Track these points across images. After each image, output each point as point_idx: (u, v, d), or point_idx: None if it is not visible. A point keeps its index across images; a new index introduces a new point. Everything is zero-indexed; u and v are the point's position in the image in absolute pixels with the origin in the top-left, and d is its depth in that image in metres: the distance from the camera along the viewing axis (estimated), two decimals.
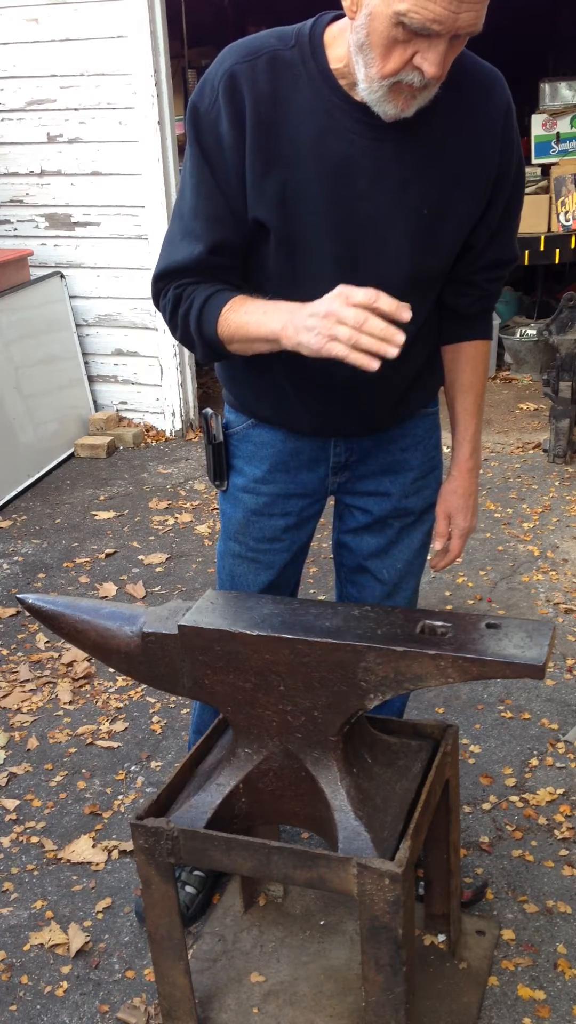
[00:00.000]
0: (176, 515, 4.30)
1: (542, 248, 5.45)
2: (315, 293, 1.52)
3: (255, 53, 1.60)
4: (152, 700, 2.99)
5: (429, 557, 2.07)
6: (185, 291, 1.67)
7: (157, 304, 1.74)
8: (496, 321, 5.67)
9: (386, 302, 1.42)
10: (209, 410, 1.96)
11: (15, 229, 5.19)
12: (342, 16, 1.59)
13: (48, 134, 4.95)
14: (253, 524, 1.99)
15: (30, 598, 1.84)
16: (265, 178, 1.61)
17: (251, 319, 1.60)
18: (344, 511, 2.06)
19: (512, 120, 1.73)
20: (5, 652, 3.30)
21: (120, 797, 2.60)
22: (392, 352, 1.41)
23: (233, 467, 1.98)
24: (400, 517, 2.02)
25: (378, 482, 1.98)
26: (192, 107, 1.64)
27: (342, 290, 1.45)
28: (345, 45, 1.56)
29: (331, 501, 2.09)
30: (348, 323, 1.42)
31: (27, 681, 3.13)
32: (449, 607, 3.40)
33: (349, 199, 1.63)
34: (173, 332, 1.73)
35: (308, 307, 1.50)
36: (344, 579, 2.14)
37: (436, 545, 2.02)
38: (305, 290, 1.59)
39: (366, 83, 1.52)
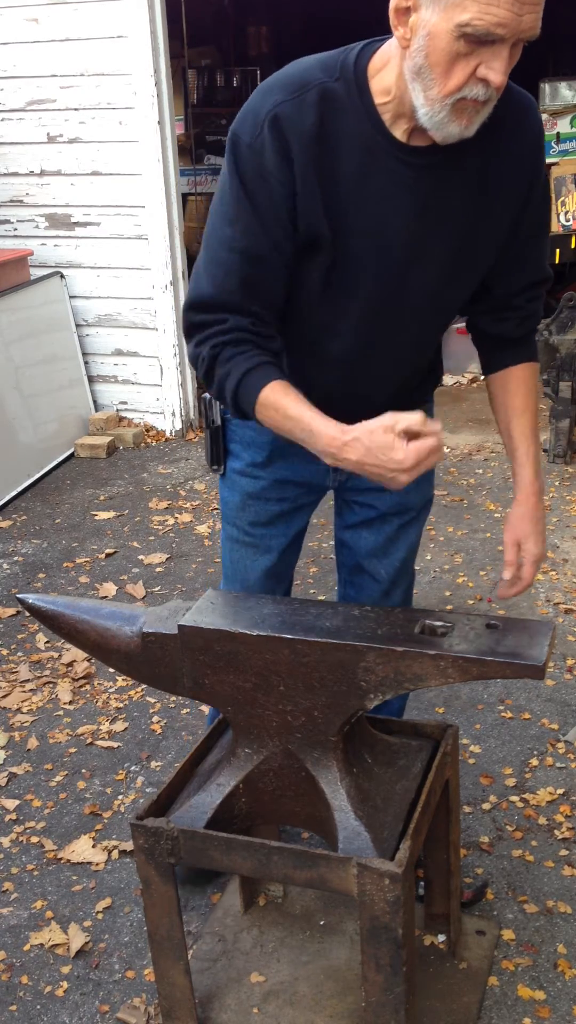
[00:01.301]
0: (176, 515, 4.30)
1: None
2: (338, 317, 1.68)
3: (303, 88, 1.57)
4: (152, 700, 2.99)
5: (497, 588, 1.97)
6: (222, 352, 1.65)
7: (188, 339, 1.71)
8: None
9: (433, 429, 1.51)
10: (208, 394, 1.93)
11: (15, 229, 5.19)
12: (380, 43, 1.59)
13: (48, 134, 4.95)
14: (249, 507, 2.00)
15: (30, 598, 1.84)
16: (313, 209, 1.60)
17: (288, 427, 1.63)
18: (344, 507, 2.07)
19: (542, 144, 1.74)
20: (5, 652, 3.30)
21: (120, 797, 2.60)
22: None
23: (231, 452, 2.00)
24: (400, 513, 2.02)
25: None
26: (234, 136, 1.61)
27: (389, 429, 1.50)
28: (391, 75, 1.55)
29: (331, 502, 2.09)
30: (407, 473, 1.52)
31: (27, 681, 3.13)
32: (449, 607, 3.40)
33: (386, 234, 1.64)
34: (207, 387, 1.72)
35: (360, 449, 1.53)
36: (344, 580, 2.15)
37: (506, 575, 1.90)
38: (331, 311, 1.69)
39: (427, 106, 1.49)
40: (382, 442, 1.51)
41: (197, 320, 1.67)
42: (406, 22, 1.46)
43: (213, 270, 1.65)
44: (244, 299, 1.64)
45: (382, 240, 1.65)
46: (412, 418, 1.50)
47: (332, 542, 3.91)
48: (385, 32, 1.56)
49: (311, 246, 1.64)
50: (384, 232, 1.64)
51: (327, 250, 1.64)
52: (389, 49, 1.57)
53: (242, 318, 1.64)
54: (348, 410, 1.79)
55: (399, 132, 1.59)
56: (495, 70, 1.44)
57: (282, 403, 1.62)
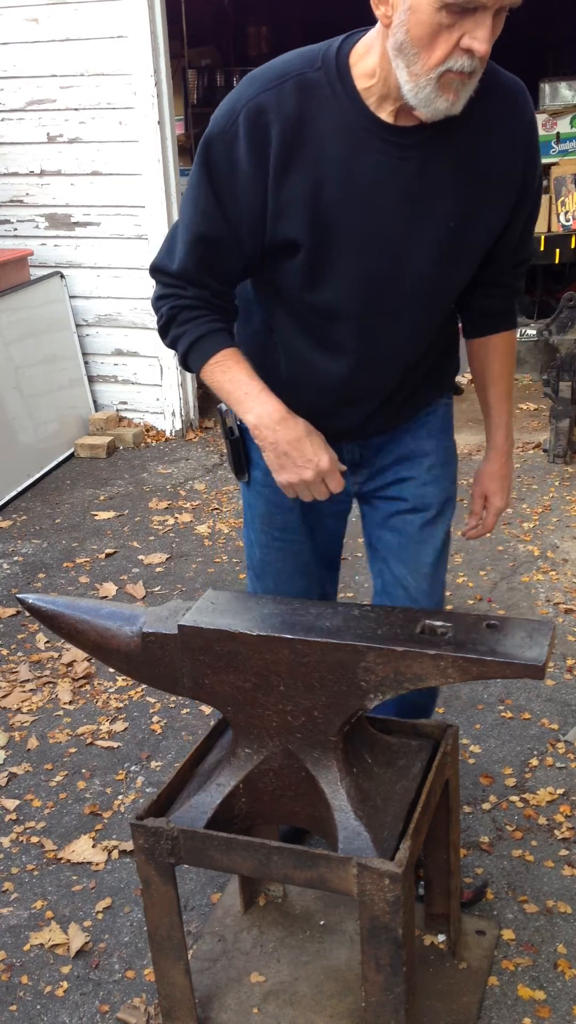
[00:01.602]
0: (176, 515, 4.30)
1: (542, 248, 5.46)
2: (334, 303, 1.70)
3: (282, 77, 1.59)
4: (152, 700, 2.99)
5: (462, 530, 2.17)
6: (180, 315, 1.75)
7: (153, 298, 1.81)
8: None
9: (336, 485, 1.75)
10: (224, 405, 1.95)
11: (15, 229, 5.19)
12: (363, 34, 1.60)
13: (48, 134, 4.95)
14: (276, 516, 2.01)
15: (30, 598, 1.84)
16: (293, 199, 1.62)
17: (232, 390, 1.75)
18: (367, 511, 2.07)
19: (535, 129, 1.74)
20: (5, 652, 3.30)
21: (120, 797, 2.60)
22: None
23: (251, 459, 2.00)
24: (420, 510, 2.01)
25: (395, 471, 1.99)
26: (211, 123, 1.64)
27: (318, 462, 1.73)
28: (374, 57, 1.56)
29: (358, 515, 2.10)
30: (306, 490, 1.76)
31: (27, 681, 3.13)
32: (449, 607, 3.40)
33: (378, 217, 1.64)
34: (162, 339, 1.81)
35: (289, 431, 1.71)
36: (378, 591, 2.12)
37: (471, 521, 2.12)
38: (325, 299, 1.71)
39: (412, 82, 1.50)
40: (318, 441, 1.73)
41: (160, 282, 1.78)
42: (387, 0, 1.47)
43: (176, 246, 1.73)
44: (201, 275, 1.72)
45: (374, 223, 1.65)
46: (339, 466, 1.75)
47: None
48: None
49: (295, 235, 1.65)
50: (375, 215, 1.64)
51: (316, 236, 1.64)
52: (371, 34, 1.58)
53: (199, 289, 1.73)
54: (356, 398, 1.84)
55: (385, 114, 1.59)
56: (479, 39, 1.44)
57: (233, 367, 1.74)
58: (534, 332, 5.79)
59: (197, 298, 1.74)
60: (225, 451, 2.04)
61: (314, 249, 1.66)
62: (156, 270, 1.77)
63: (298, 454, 1.71)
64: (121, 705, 2.98)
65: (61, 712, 2.97)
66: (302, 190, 1.61)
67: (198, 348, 1.75)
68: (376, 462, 1.99)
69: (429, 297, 1.77)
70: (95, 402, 5.35)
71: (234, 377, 1.74)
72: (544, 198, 5.43)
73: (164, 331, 1.79)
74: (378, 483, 2.01)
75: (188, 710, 2.92)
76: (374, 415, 1.89)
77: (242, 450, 2.00)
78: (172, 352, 1.87)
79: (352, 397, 1.85)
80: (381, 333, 1.77)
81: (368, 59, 1.58)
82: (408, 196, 1.64)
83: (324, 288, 1.71)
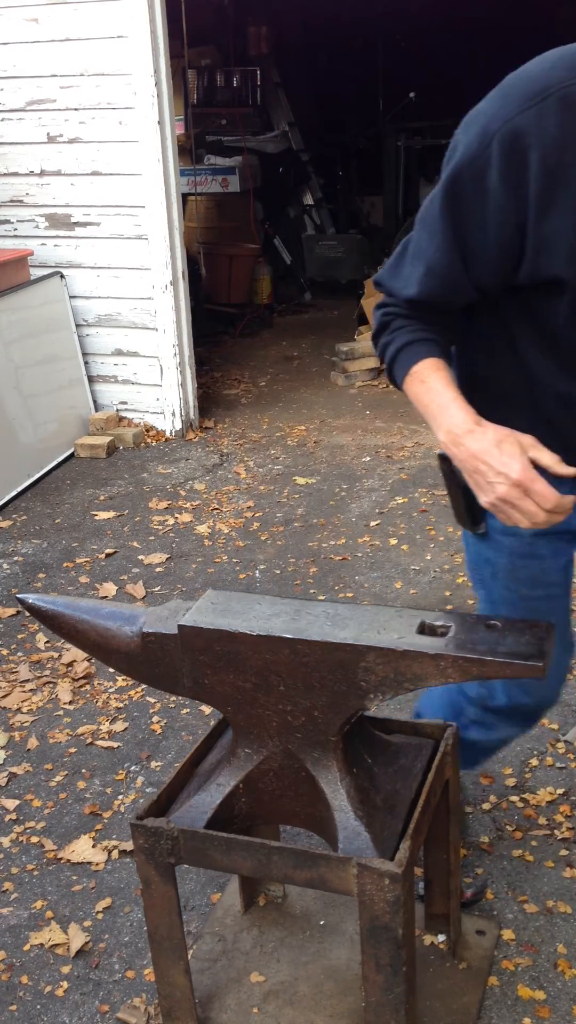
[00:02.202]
0: (176, 515, 4.30)
1: None
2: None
3: (543, 93, 1.37)
4: (152, 700, 2.99)
5: None
6: (393, 322, 1.64)
7: (376, 304, 1.71)
8: None
9: (544, 499, 1.43)
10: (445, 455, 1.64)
11: (15, 229, 5.19)
12: None
13: (48, 134, 4.95)
14: (520, 569, 1.78)
15: (30, 598, 1.84)
16: (558, 233, 1.43)
17: (427, 403, 1.57)
18: None
19: None
20: (5, 652, 3.30)
21: (120, 797, 2.60)
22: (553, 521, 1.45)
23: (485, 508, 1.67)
24: None
25: None
26: (456, 145, 1.48)
27: (524, 445, 1.45)
28: None
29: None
30: (508, 487, 1.44)
31: (27, 681, 3.13)
32: (449, 607, 3.40)
33: None
34: (374, 347, 1.70)
35: (477, 442, 1.47)
36: None
37: None
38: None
39: None
40: (509, 448, 1.45)
41: (383, 293, 1.66)
42: None
43: (404, 270, 1.60)
44: (428, 305, 1.60)
45: None
46: (551, 455, 1.45)
47: (333, 542, 3.94)
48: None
49: (561, 272, 1.47)
50: None
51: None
52: None
53: (423, 313, 1.62)
54: None
55: None
56: None
57: (430, 377, 1.56)
58: None
59: (415, 312, 1.62)
60: (449, 499, 1.71)
61: None
62: (381, 286, 1.65)
63: (487, 467, 1.46)
64: (121, 705, 2.98)
65: (61, 712, 2.97)
66: (570, 222, 1.42)
67: (402, 357, 1.60)
68: None
69: None
70: (95, 402, 5.35)
71: (431, 387, 1.55)
72: None
73: (376, 339, 1.67)
74: None
75: (188, 710, 2.92)
76: None
77: (475, 496, 1.62)
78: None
79: None
80: None
81: None
82: None
83: None
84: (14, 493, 4.58)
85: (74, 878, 2.35)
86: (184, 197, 5.84)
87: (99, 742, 2.82)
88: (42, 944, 2.17)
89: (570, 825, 2.39)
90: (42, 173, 5.05)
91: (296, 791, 1.72)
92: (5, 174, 5.10)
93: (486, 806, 2.47)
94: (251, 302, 7.80)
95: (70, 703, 3.01)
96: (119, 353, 5.23)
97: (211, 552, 3.92)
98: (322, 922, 2.10)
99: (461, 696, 2.01)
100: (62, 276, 5.11)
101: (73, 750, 2.80)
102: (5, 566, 3.92)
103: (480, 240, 1.48)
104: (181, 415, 5.24)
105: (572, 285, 1.48)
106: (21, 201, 5.13)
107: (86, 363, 5.28)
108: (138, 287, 5.04)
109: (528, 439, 1.47)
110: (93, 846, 2.43)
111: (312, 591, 3.54)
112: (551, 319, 1.56)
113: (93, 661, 3.17)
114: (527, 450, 1.45)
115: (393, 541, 3.92)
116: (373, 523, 4.10)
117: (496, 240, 1.47)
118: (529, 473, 1.44)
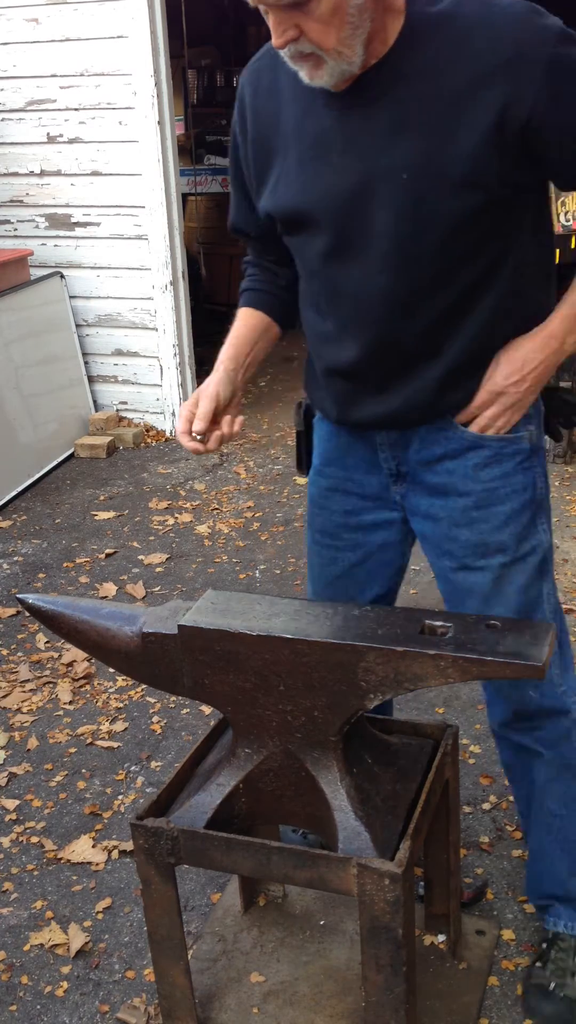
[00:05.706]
0: (176, 515, 4.30)
1: None
2: (316, 278, 1.74)
3: (265, 51, 1.71)
4: (152, 700, 2.99)
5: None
6: (246, 271, 1.98)
7: None
8: None
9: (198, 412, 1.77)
10: (302, 401, 1.99)
11: (15, 229, 5.19)
12: None
13: (48, 134, 4.95)
14: (315, 515, 1.97)
15: (30, 598, 1.84)
16: (265, 171, 1.74)
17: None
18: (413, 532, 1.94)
19: (545, 51, 1.48)
20: (5, 652, 3.30)
21: (120, 797, 2.60)
22: (192, 446, 1.77)
23: (312, 453, 2.00)
24: (451, 556, 1.83)
25: (429, 502, 1.81)
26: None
27: (202, 395, 1.79)
28: None
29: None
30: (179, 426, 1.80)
31: (27, 681, 3.13)
32: None
33: (324, 176, 1.63)
34: None
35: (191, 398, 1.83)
36: None
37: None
38: (314, 274, 1.76)
39: None
40: (193, 397, 1.79)
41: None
42: None
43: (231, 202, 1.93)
44: (241, 233, 1.92)
45: (318, 181, 1.64)
46: (221, 396, 1.78)
47: None
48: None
49: (271, 203, 1.75)
50: (319, 173, 1.64)
51: (278, 208, 1.73)
52: None
53: (248, 240, 1.94)
54: (355, 367, 1.75)
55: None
56: (274, 34, 1.53)
57: (233, 328, 1.89)
58: None
59: (252, 252, 1.96)
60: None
61: (283, 220, 1.75)
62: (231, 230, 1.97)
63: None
64: (121, 705, 2.98)
65: (61, 712, 2.97)
66: (270, 163, 1.74)
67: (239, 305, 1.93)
68: (413, 483, 1.83)
69: (403, 256, 1.61)
70: (95, 402, 5.35)
71: (228, 337, 1.88)
72: None
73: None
74: (414, 506, 1.86)
75: (188, 710, 2.92)
76: (381, 389, 1.72)
77: (303, 443, 1.99)
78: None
79: (349, 366, 1.74)
80: (361, 306, 1.68)
81: None
82: (350, 149, 1.59)
83: (306, 257, 1.78)
84: (14, 493, 4.58)
85: (74, 878, 2.35)
86: (184, 197, 5.84)
87: (99, 742, 2.82)
88: (42, 944, 2.17)
89: None
90: (42, 173, 5.05)
91: (296, 791, 1.72)
92: (5, 174, 5.10)
93: (486, 806, 2.47)
94: None
95: (70, 703, 3.01)
96: (119, 353, 5.23)
97: (211, 552, 3.92)
98: (322, 922, 2.10)
99: None
100: (62, 276, 5.11)
101: (73, 750, 2.80)
102: (5, 566, 3.92)
103: (242, 176, 1.83)
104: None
105: (279, 220, 1.76)
106: (21, 201, 5.13)
107: (86, 363, 5.28)
108: (138, 287, 5.04)
109: (209, 392, 1.79)
110: (93, 846, 2.43)
111: None
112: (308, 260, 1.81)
113: (93, 661, 3.17)
114: (200, 400, 1.78)
115: None
116: None
117: (247, 174, 1.81)
118: (182, 412, 1.79)
